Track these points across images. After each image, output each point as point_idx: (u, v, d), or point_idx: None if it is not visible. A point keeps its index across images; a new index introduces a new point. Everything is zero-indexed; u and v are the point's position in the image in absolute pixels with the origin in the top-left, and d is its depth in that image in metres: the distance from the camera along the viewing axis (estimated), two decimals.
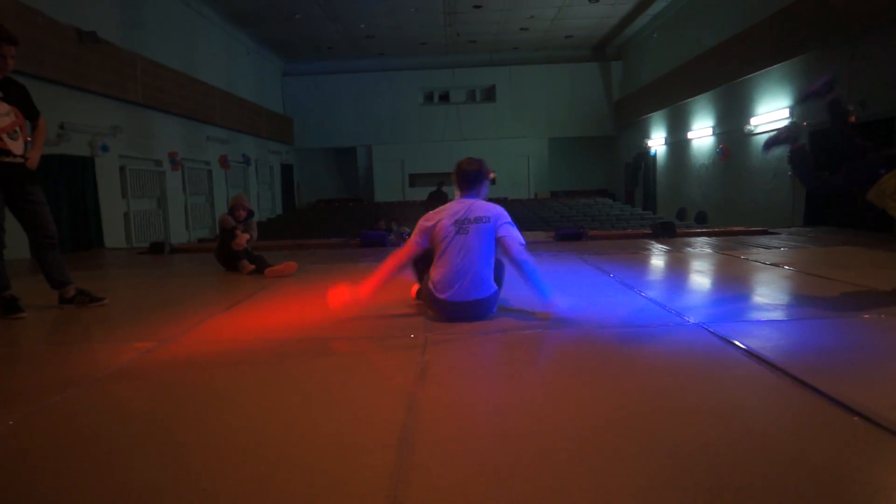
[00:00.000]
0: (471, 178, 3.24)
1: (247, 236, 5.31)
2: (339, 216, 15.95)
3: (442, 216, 3.15)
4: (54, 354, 2.84)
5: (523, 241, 3.16)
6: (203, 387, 2.22)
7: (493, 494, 1.38)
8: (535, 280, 3.13)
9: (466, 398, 2.02)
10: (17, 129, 3.56)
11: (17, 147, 3.54)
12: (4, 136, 3.47)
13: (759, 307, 3.39)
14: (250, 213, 5.53)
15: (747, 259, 5.23)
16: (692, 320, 2.97)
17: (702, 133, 14.67)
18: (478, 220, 3.10)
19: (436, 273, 3.09)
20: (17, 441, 1.78)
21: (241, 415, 1.95)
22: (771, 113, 11.38)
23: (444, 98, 22.17)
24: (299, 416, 1.92)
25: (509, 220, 3.20)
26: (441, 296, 3.05)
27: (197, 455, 1.64)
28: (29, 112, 3.68)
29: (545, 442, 1.65)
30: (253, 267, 5.07)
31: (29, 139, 3.67)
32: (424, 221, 3.19)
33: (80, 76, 9.25)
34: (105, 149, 9.86)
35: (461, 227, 3.09)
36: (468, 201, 3.20)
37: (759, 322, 2.97)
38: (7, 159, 3.49)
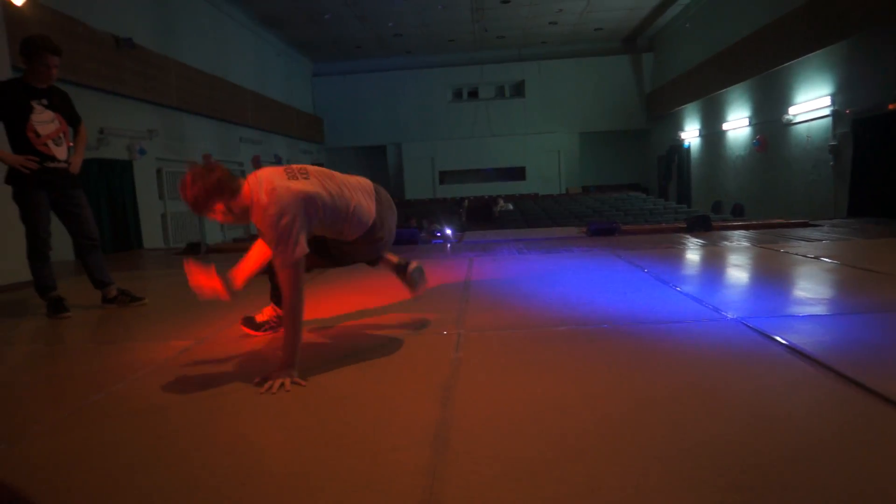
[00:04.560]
0: None
1: None
2: None
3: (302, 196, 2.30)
4: (98, 352, 2.93)
5: None
6: (238, 385, 2.26)
7: (528, 492, 1.37)
8: None
9: (500, 395, 2.01)
10: (61, 135, 3.69)
11: (61, 153, 3.67)
12: (49, 143, 3.60)
13: (801, 302, 3.29)
14: None
15: (787, 252, 5.09)
16: (730, 315, 2.90)
17: (737, 124, 14.32)
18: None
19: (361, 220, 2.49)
20: (67, 436, 1.85)
21: (276, 412, 1.97)
22: (811, 101, 11.04)
23: (473, 94, 22.13)
24: (333, 413, 1.94)
25: None
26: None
27: (232, 452, 1.68)
28: (71, 118, 3.80)
29: (579, 439, 1.63)
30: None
31: (71, 145, 3.79)
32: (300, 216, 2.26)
33: (118, 82, 9.53)
34: (142, 152, 10.13)
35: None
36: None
37: (800, 317, 2.89)
38: (52, 164, 3.61)
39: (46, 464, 1.66)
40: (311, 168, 2.51)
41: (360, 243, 2.58)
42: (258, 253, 2.60)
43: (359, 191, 2.55)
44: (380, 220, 2.58)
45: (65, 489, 1.50)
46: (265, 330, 2.93)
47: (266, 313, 2.94)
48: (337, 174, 2.58)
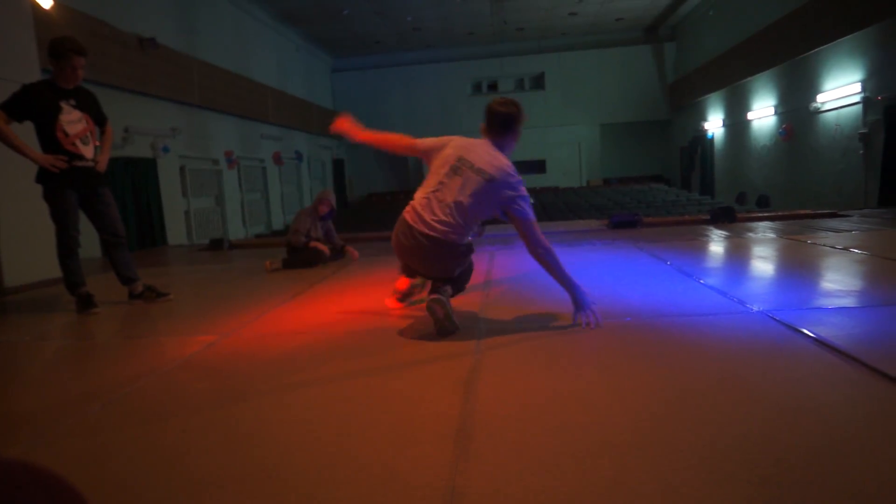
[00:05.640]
0: (499, 122, 2.78)
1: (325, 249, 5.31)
2: (391, 209, 16.10)
3: (449, 143, 2.81)
4: (126, 347, 3.00)
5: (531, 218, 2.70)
6: (263, 379, 2.29)
7: (553, 485, 1.37)
8: (559, 274, 2.73)
9: (523, 389, 2.00)
10: (88, 134, 3.76)
11: (88, 151, 3.74)
12: (77, 142, 3.67)
13: (830, 294, 3.22)
14: (332, 211, 5.45)
15: (815, 243, 4.98)
16: (756, 308, 2.85)
17: (763, 113, 14.04)
18: (479, 171, 2.67)
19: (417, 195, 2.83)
20: (98, 429, 1.89)
21: (301, 406, 2.00)
22: (840, 88, 10.76)
23: (493, 88, 22.03)
24: (358, 407, 1.95)
25: (522, 192, 2.70)
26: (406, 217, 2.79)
27: (260, 444, 1.70)
28: (98, 118, 3.87)
29: (604, 433, 1.62)
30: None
31: (98, 144, 3.86)
32: (438, 140, 2.86)
33: (142, 81, 9.67)
34: (166, 150, 10.28)
35: (456, 167, 2.70)
36: (484, 145, 2.79)
37: (829, 309, 2.83)
38: (80, 163, 3.69)
39: (81, 455, 1.70)
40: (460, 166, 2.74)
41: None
42: (391, 140, 3.02)
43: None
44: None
45: (99, 479, 1.54)
46: (413, 289, 3.35)
47: (403, 283, 3.31)
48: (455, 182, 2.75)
